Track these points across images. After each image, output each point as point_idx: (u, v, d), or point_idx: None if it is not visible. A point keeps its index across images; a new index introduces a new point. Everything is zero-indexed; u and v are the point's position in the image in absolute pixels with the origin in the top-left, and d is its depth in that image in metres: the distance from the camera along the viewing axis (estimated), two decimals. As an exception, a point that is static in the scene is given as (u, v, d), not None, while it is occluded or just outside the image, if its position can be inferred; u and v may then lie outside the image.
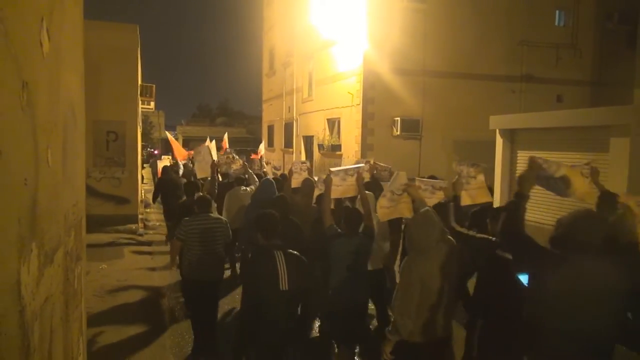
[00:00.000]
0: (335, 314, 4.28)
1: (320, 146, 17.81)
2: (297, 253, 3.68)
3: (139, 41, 13.15)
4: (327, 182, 4.71)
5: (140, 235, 11.28)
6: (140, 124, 15.87)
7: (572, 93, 16.56)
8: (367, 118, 15.09)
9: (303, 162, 6.19)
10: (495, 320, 3.56)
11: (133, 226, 11.89)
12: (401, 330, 3.35)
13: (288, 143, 21.99)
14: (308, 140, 19.70)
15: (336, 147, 16.62)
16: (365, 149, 15.01)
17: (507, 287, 3.38)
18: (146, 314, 6.38)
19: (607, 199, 4.17)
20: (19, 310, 1.49)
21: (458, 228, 3.92)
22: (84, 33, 3.07)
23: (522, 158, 13.62)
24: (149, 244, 10.47)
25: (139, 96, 13.50)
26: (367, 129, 15.12)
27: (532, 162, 3.68)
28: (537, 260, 2.76)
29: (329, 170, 4.89)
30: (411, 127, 15.01)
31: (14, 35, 1.40)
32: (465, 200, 4.44)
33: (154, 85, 16.39)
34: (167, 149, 26.92)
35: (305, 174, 5.85)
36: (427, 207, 3.67)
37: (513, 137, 13.83)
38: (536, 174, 3.73)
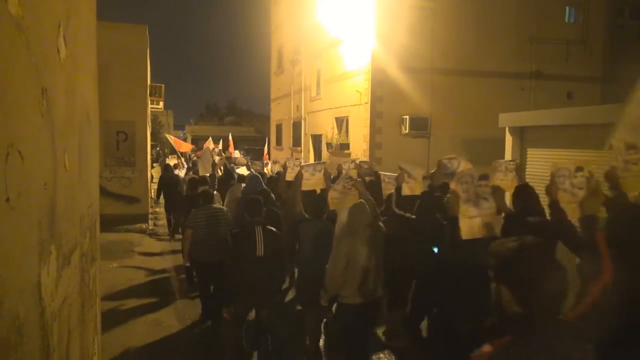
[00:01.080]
0: (302, 283, 5.11)
1: (329, 145, 17.80)
2: (274, 229, 4.60)
3: (148, 41, 13.24)
4: (298, 176, 5.79)
5: (150, 234, 11.37)
6: (150, 123, 15.96)
7: (582, 90, 16.40)
8: (376, 116, 15.05)
9: (297, 159, 7.11)
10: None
11: (143, 225, 11.98)
12: (328, 289, 4.33)
13: (296, 142, 22.01)
14: (316, 139, 19.71)
15: (345, 146, 16.61)
16: (374, 147, 14.98)
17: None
18: (156, 312, 6.43)
19: (521, 190, 4.87)
20: (40, 312, 1.53)
21: (398, 211, 5.19)
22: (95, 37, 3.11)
23: (532, 156, 13.54)
24: (160, 241, 10.55)
25: (148, 96, 13.58)
26: (375, 128, 15.08)
27: (438, 163, 5.60)
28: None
29: (300, 166, 5.91)
30: (420, 125, 14.96)
31: (35, 43, 1.43)
32: (405, 191, 5.42)
33: (163, 85, 16.48)
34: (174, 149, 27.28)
35: (297, 169, 6.45)
36: (361, 200, 4.49)
37: (523, 135, 13.74)
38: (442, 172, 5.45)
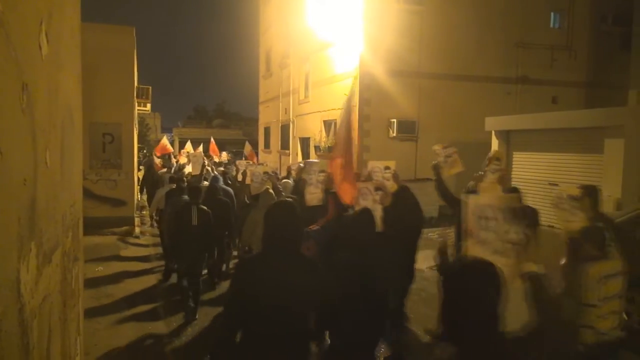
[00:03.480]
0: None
1: (317, 148, 17.83)
2: (206, 208, 6.29)
3: (135, 43, 13.17)
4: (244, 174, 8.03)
5: (137, 237, 11.28)
6: (137, 125, 15.86)
7: (567, 94, 16.64)
8: (363, 120, 15.11)
9: (263, 168, 7.57)
10: None
11: (129, 228, 11.88)
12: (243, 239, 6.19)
13: (285, 145, 22.00)
14: (305, 142, 19.72)
15: (332, 149, 16.64)
16: (362, 150, 15.03)
17: None
18: (142, 315, 6.39)
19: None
20: (19, 308, 1.52)
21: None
22: (80, 36, 3.10)
23: (518, 159, 13.69)
24: (146, 245, 10.47)
25: (135, 98, 13.50)
26: (363, 131, 15.14)
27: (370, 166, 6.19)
28: None
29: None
30: (407, 129, 15.05)
31: (15, 38, 1.42)
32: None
33: (150, 87, 16.39)
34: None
35: (264, 184, 7.07)
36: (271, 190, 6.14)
37: (508, 139, 13.90)
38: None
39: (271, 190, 6.54)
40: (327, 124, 17.41)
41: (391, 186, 5.42)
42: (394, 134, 14.98)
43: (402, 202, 5.18)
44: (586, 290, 3.20)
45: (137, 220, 12.75)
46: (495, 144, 14.00)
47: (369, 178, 5.64)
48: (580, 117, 11.90)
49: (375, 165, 6.02)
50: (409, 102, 14.98)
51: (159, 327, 6.02)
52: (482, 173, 5.46)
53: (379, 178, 5.68)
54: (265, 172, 7.25)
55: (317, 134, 17.90)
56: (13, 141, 1.45)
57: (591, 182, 11.40)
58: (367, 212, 3.63)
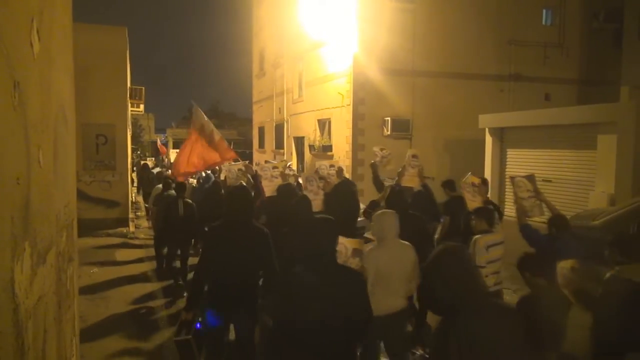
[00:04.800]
0: None
1: (311, 147, 17.83)
2: (191, 201, 7.41)
3: (128, 43, 13.10)
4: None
5: (132, 238, 11.23)
6: (130, 126, 15.80)
7: (559, 91, 16.73)
8: (358, 118, 15.14)
9: (236, 162, 8.14)
10: None
11: (124, 229, 11.82)
12: None
13: (279, 144, 21.99)
14: (299, 141, 19.72)
15: (327, 148, 16.65)
16: (356, 149, 15.06)
17: None
18: (138, 317, 6.36)
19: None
20: (13, 308, 1.50)
21: None
22: (73, 36, 3.08)
23: (512, 156, 13.76)
24: (140, 247, 10.42)
25: (128, 99, 13.44)
26: (357, 129, 15.17)
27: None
28: None
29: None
30: (401, 127, 15.09)
31: (5, 34, 1.41)
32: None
33: (144, 88, 16.32)
34: (157, 153, 27.54)
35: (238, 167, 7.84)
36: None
37: (502, 136, 13.96)
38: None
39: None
40: (322, 123, 17.41)
41: (334, 179, 7.23)
42: (388, 133, 15.02)
43: (341, 191, 6.66)
44: (475, 254, 4.22)
45: (131, 221, 12.70)
46: (489, 141, 14.05)
47: (316, 173, 7.19)
48: (573, 113, 11.96)
49: (322, 164, 7.97)
50: (403, 100, 15.02)
51: (156, 328, 6.00)
52: (402, 169, 6.54)
53: (324, 173, 7.31)
54: (240, 169, 7.71)
55: (312, 133, 17.90)
56: (5, 140, 1.43)
57: (584, 178, 11.51)
58: (306, 198, 4.90)
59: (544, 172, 12.54)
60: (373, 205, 5.45)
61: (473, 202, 5.72)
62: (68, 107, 2.76)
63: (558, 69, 16.71)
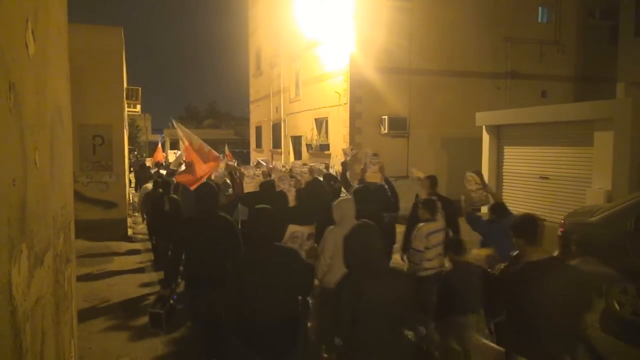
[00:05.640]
0: None
1: (309, 146, 17.82)
2: (176, 197, 7.90)
3: (124, 44, 13.06)
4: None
5: (130, 239, 11.21)
6: (127, 127, 15.76)
7: (556, 88, 16.76)
8: (355, 117, 15.13)
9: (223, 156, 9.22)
10: None
11: (122, 230, 11.80)
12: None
13: (276, 144, 21.97)
14: (296, 141, 19.71)
15: (324, 147, 16.64)
16: (354, 148, 15.04)
17: None
18: (136, 318, 6.35)
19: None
20: (11, 310, 1.49)
21: None
22: (68, 36, 3.06)
23: (509, 153, 13.77)
24: (139, 251, 10.41)
25: (124, 99, 13.39)
26: (355, 128, 15.16)
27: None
28: None
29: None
30: (398, 125, 15.09)
31: (0, 36, 1.40)
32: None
33: (140, 88, 16.23)
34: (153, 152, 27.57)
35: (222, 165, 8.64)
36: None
37: (499, 133, 13.97)
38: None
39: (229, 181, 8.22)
40: (319, 122, 17.40)
41: (307, 177, 7.63)
42: (386, 131, 15.02)
43: (312, 188, 7.07)
44: (415, 239, 5.04)
45: (130, 221, 12.67)
46: (486, 139, 14.07)
47: (291, 172, 7.88)
48: (570, 110, 11.98)
49: (297, 164, 9.23)
50: (399, 98, 15.02)
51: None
52: (364, 166, 7.18)
53: (297, 172, 7.90)
54: (226, 168, 8.50)
55: (309, 132, 17.89)
56: (1, 141, 1.43)
57: (581, 174, 11.53)
58: (283, 193, 6.39)
59: (541, 169, 12.56)
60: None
61: (421, 193, 6.62)
62: (64, 108, 2.75)
63: (554, 66, 16.74)
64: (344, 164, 8.08)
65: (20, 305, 1.59)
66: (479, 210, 6.42)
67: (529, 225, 3.17)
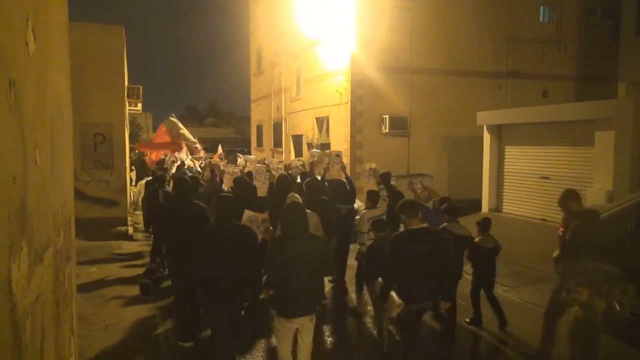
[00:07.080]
0: None
1: (310, 145, 17.81)
2: (170, 190, 8.46)
3: (125, 42, 13.07)
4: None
5: (130, 237, 11.22)
6: (128, 125, 15.77)
7: (557, 88, 16.73)
8: (356, 116, 15.12)
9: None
10: None
11: (122, 228, 11.81)
12: None
13: (277, 142, 21.97)
14: (297, 140, 19.70)
15: (325, 146, 16.62)
16: (355, 147, 15.05)
17: None
18: (136, 316, 6.36)
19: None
20: (10, 307, 1.50)
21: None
22: (69, 35, 3.06)
23: (510, 153, 13.76)
24: (138, 249, 10.41)
25: (125, 98, 13.40)
26: (355, 127, 15.15)
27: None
28: None
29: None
30: (399, 125, 15.08)
31: (1, 34, 1.40)
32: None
33: (141, 87, 16.25)
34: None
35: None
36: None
37: (500, 133, 13.96)
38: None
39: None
40: (320, 121, 17.40)
41: (282, 172, 8.41)
42: (387, 130, 15.01)
43: (281, 181, 7.43)
44: (360, 223, 6.29)
45: (130, 220, 12.68)
46: (487, 138, 14.05)
47: (267, 168, 8.89)
48: (571, 110, 11.96)
49: (273, 161, 10.20)
50: (400, 98, 15.01)
51: (154, 328, 6.00)
52: (327, 165, 8.12)
53: (274, 167, 9.00)
54: (209, 165, 9.71)
55: (310, 131, 17.88)
56: (1, 139, 1.43)
57: (582, 174, 11.52)
58: (253, 186, 8.06)
59: (542, 169, 12.55)
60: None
61: (368, 184, 7.76)
62: (65, 106, 2.75)
63: (555, 65, 16.71)
64: (311, 164, 9.17)
65: (20, 302, 1.59)
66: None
67: (410, 206, 4.43)
